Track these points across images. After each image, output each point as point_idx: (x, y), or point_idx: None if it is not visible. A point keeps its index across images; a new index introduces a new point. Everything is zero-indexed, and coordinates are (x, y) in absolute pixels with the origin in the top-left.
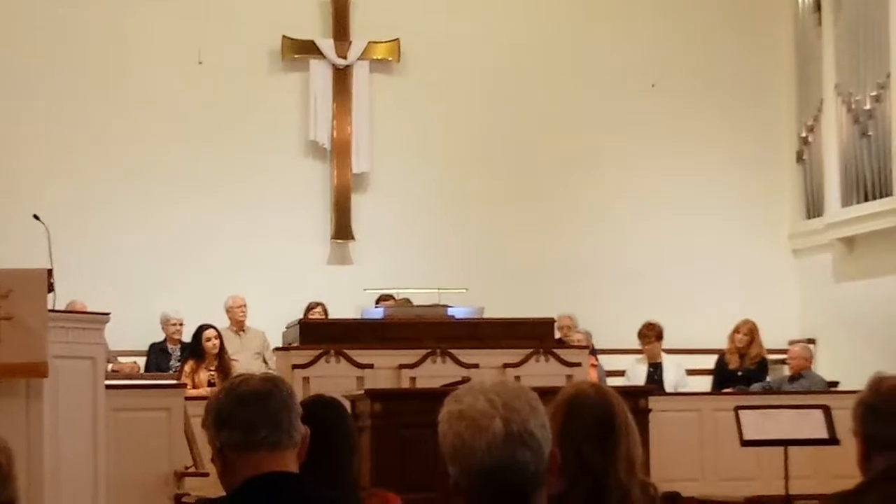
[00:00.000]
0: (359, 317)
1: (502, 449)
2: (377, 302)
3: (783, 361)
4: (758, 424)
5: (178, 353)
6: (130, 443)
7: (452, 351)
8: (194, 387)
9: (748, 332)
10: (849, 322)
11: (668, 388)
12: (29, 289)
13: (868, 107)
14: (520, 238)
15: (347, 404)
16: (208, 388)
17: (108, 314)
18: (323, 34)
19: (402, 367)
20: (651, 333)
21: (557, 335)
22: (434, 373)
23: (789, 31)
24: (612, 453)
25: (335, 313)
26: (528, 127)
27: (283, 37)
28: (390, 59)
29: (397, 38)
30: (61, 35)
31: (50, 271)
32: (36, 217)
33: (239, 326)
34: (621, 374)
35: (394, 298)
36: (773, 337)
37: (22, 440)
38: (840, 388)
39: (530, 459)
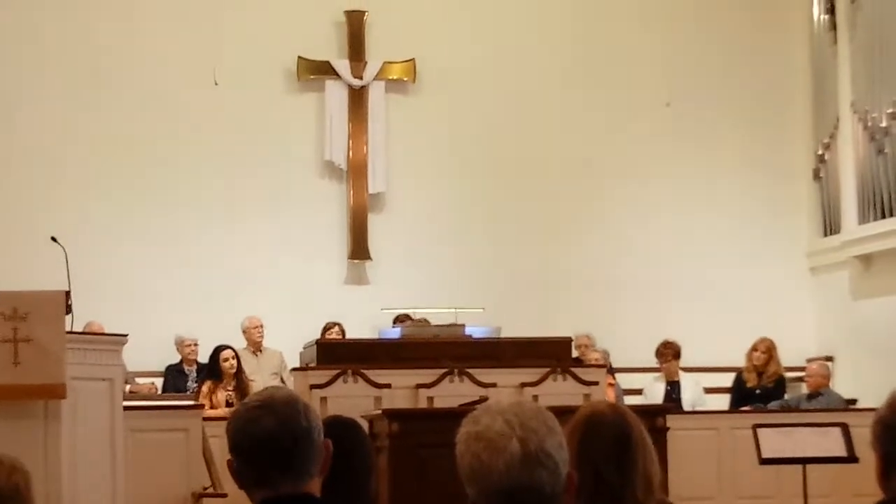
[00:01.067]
0: (376, 337)
1: (520, 470)
2: (394, 322)
3: (801, 379)
4: (776, 443)
5: (195, 374)
6: (148, 464)
7: (470, 370)
8: (212, 407)
9: (766, 349)
10: (866, 339)
11: (686, 406)
12: (47, 311)
13: (884, 124)
14: (536, 257)
15: (365, 424)
16: (226, 409)
17: (125, 335)
18: (339, 55)
19: (419, 386)
20: (668, 352)
21: (575, 354)
22: (452, 392)
23: (805, 50)
24: (629, 472)
25: (352, 333)
26: (543, 146)
27: (299, 58)
28: (406, 79)
29: (413, 59)
30: (77, 57)
31: (67, 293)
32: (53, 239)
33: (256, 347)
34: (639, 392)
35: (411, 318)
36: (790, 355)
37: (40, 461)
38: (858, 405)
39: (547, 480)
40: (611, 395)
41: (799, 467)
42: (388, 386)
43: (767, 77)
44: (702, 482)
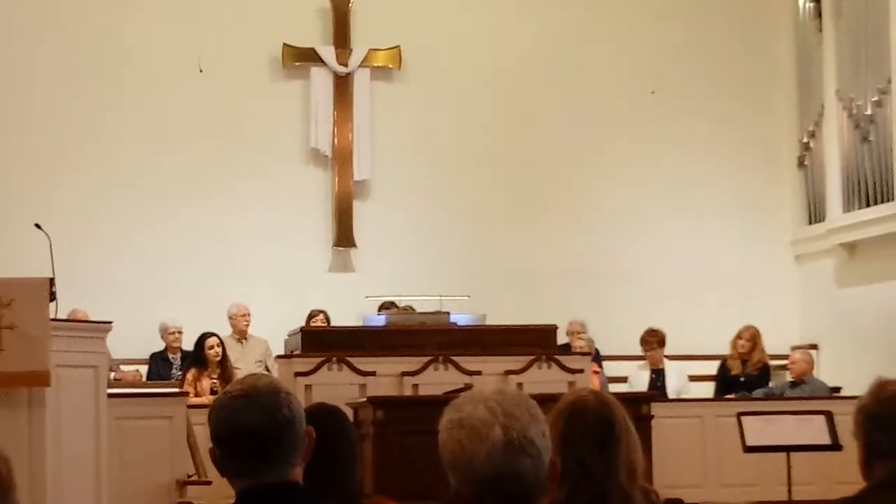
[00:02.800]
0: (361, 324)
1: (502, 457)
2: (379, 309)
3: (785, 367)
4: (760, 430)
5: (179, 362)
6: (133, 451)
7: (455, 358)
8: (197, 395)
9: (750, 337)
10: (851, 327)
11: (671, 394)
12: (31, 298)
13: (869, 112)
14: (521, 244)
15: (350, 412)
16: (211, 396)
17: (110, 323)
18: (323, 42)
19: (404, 374)
20: (653, 339)
21: (566, 340)
22: (436, 380)
23: (790, 37)
24: (612, 459)
25: (337, 321)
26: (529, 133)
27: (284, 44)
28: (391, 66)
29: (398, 46)
30: (62, 44)
31: (52, 280)
32: (37, 226)
33: (241, 334)
34: (624, 380)
35: (396, 306)
36: (775, 342)
37: (24, 449)
38: (842, 393)
39: (530, 467)
40: (595, 383)
41: (783, 455)
42: (372, 373)
43: (752, 65)
44: (686, 470)
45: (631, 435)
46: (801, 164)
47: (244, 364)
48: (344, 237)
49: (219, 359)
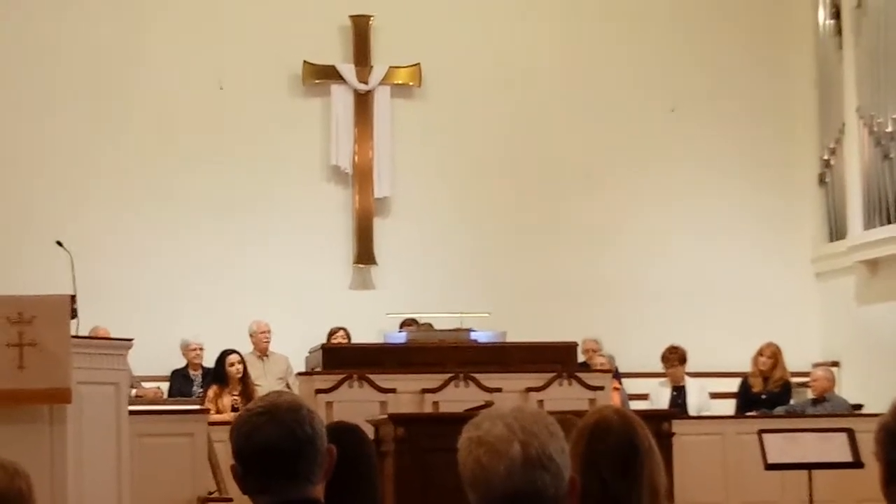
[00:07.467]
0: (381, 341)
1: (521, 473)
2: (400, 326)
3: (806, 384)
4: (781, 448)
5: (200, 379)
6: (154, 468)
7: (475, 375)
8: (218, 412)
9: (772, 354)
10: (872, 344)
11: (692, 411)
12: (52, 315)
13: (890, 129)
14: (542, 261)
15: (370, 429)
16: (232, 413)
17: (131, 340)
18: (344, 59)
19: (424, 391)
20: (674, 357)
21: (582, 358)
22: (457, 397)
23: (810, 55)
24: (635, 481)
25: (357, 338)
26: (548, 150)
27: (305, 62)
28: (411, 83)
29: (418, 63)
30: (82, 62)
31: (73, 297)
32: (59, 243)
33: (262, 352)
34: (644, 397)
35: (416, 323)
36: (796, 360)
37: (46, 466)
38: (864, 410)
39: (550, 484)
40: (616, 400)
41: (804, 473)
42: (393, 391)
43: (773, 82)
44: (707, 487)
45: (654, 456)
46: (821, 181)
47: (265, 381)
48: (364, 254)
49: (240, 376)
